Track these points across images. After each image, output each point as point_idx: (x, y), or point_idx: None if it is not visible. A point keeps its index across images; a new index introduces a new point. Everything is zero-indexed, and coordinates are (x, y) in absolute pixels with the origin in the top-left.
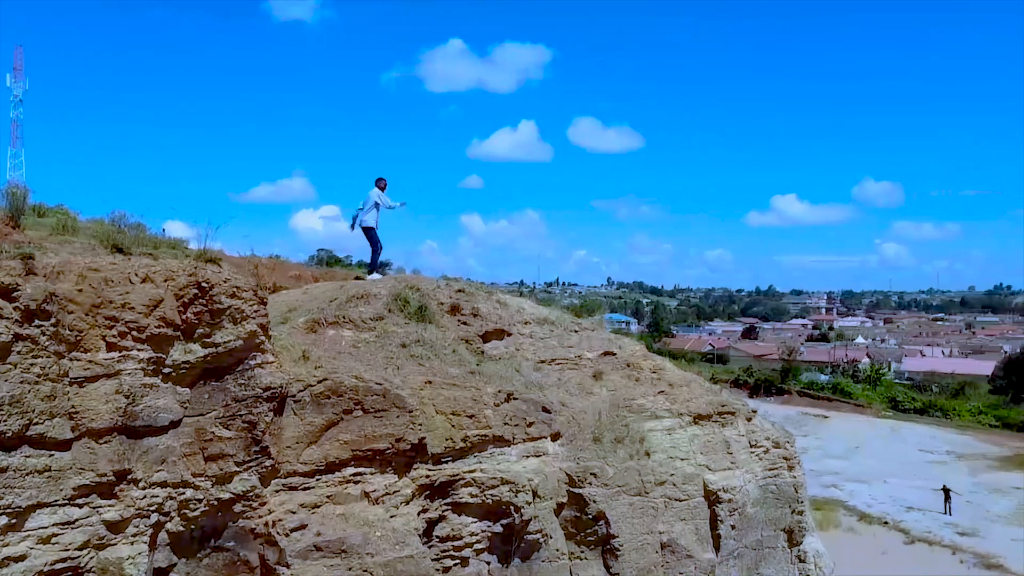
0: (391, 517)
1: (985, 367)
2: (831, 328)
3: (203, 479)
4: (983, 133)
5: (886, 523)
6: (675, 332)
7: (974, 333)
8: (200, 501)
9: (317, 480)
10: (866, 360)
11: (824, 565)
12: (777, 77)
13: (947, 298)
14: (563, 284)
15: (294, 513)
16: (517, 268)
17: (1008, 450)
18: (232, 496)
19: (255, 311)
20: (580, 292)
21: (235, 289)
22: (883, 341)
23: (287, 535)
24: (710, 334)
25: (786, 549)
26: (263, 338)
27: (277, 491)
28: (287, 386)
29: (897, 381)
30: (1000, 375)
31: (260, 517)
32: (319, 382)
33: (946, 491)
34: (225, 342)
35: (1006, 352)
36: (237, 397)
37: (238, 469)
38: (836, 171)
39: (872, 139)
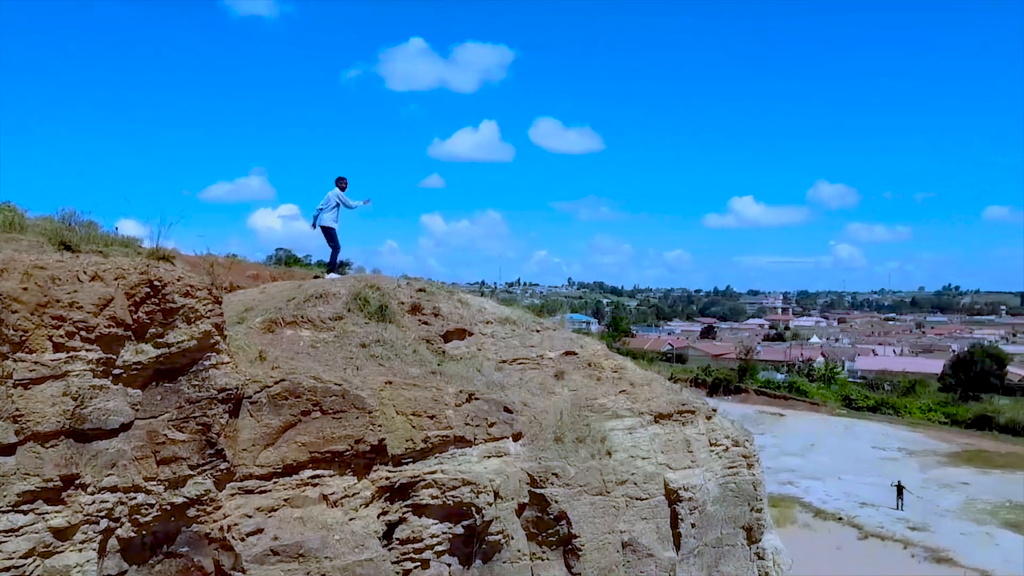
0: (350, 520)
1: (934, 366)
2: (787, 328)
3: (155, 483)
4: (934, 138)
5: (840, 519)
6: (635, 332)
7: (924, 332)
8: (152, 506)
9: (274, 483)
10: (821, 359)
11: (782, 562)
12: (734, 81)
13: (898, 298)
14: (524, 284)
15: (250, 517)
16: (478, 268)
17: (956, 446)
18: (186, 500)
19: (209, 310)
20: (541, 292)
21: (189, 288)
22: (837, 340)
23: (243, 540)
24: (669, 334)
25: (745, 546)
26: (218, 338)
27: (233, 495)
28: (243, 387)
29: (851, 380)
30: (949, 373)
31: (215, 522)
32: (276, 383)
33: (899, 487)
34: (178, 342)
35: (954, 351)
36: (191, 399)
37: (192, 473)
38: (792, 173)
39: (827, 142)
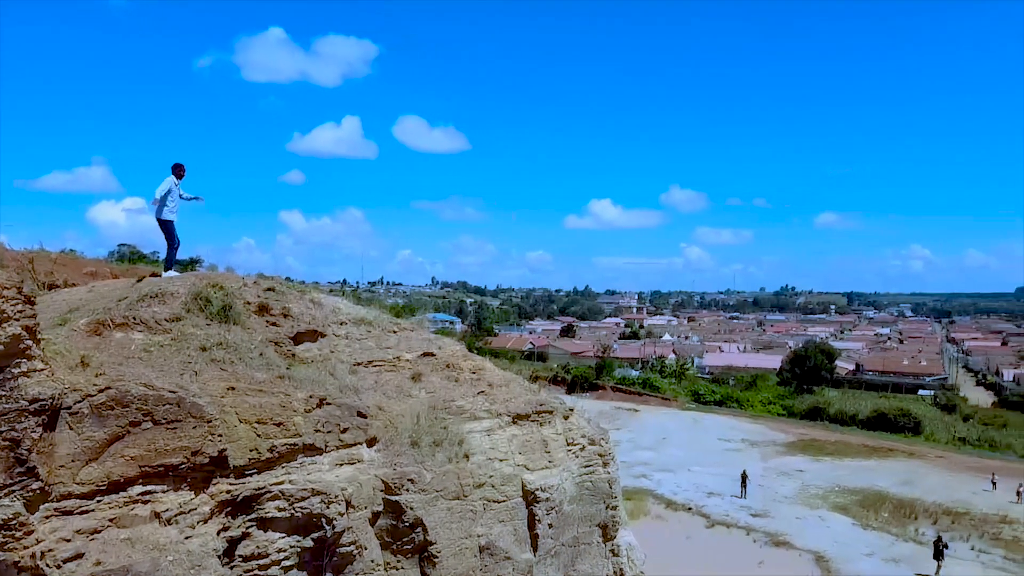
0: (186, 538)
1: (774, 361)
2: (641, 326)
3: None
4: (774, 148)
5: (690, 509)
6: (497, 331)
7: (764, 330)
8: None
9: (98, 502)
10: (672, 356)
11: (636, 558)
12: (594, 86)
13: (742, 298)
14: (388, 284)
15: (68, 541)
16: (340, 267)
17: (792, 436)
18: None
19: (19, 311)
20: (405, 292)
21: None
22: (687, 338)
23: (59, 567)
24: (531, 333)
25: (601, 544)
26: (30, 342)
27: (48, 517)
28: (61, 397)
29: (699, 375)
30: (786, 368)
31: (26, 548)
32: (100, 391)
33: (743, 476)
34: None
35: (791, 347)
36: None
37: None
38: (648, 178)
39: (681, 150)
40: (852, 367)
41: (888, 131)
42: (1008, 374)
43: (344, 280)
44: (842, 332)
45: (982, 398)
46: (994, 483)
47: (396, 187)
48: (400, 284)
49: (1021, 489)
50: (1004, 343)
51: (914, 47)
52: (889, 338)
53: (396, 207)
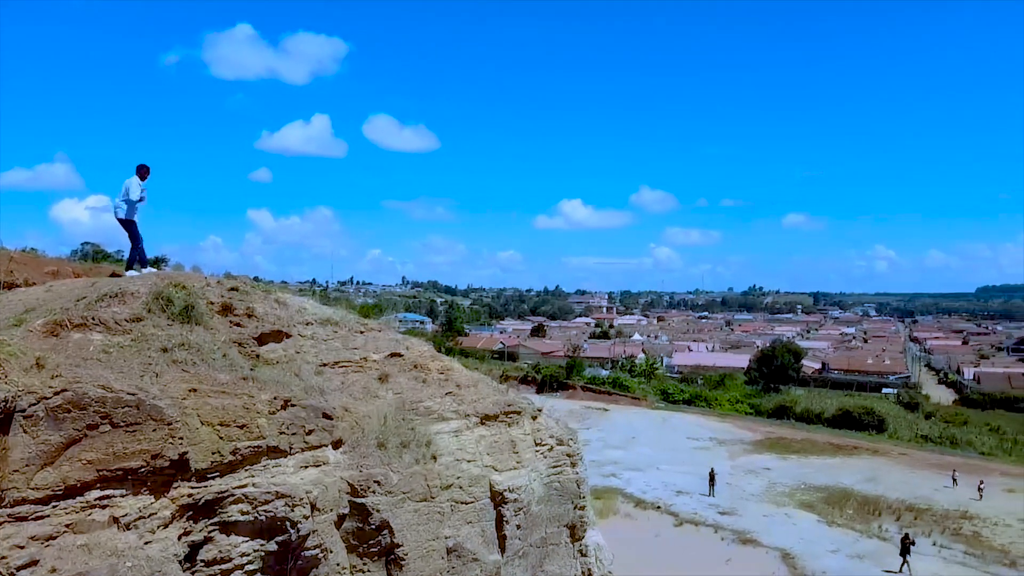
0: (146, 544)
1: (742, 360)
2: (611, 326)
3: None
4: (741, 149)
5: (659, 508)
6: (468, 331)
7: (732, 330)
8: None
9: (53, 507)
10: (642, 355)
11: (604, 558)
12: (564, 85)
13: (710, 298)
14: (358, 283)
15: (22, 548)
16: (310, 266)
17: (760, 435)
18: None
19: None
20: (375, 291)
21: None
22: (656, 338)
23: (13, 574)
24: (501, 332)
25: (569, 544)
26: None
27: (1, 523)
28: (15, 400)
29: (668, 375)
30: (754, 367)
31: None
32: (56, 394)
33: (711, 475)
34: None
35: (758, 347)
36: None
37: None
38: (617, 179)
39: (650, 151)
40: (818, 366)
41: (854, 134)
42: (968, 373)
43: (314, 280)
44: (808, 332)
45: (944, 396)
46: (955, 480)
47: (366, 186)
48: (370, 284)
49: (982, 486)
50: (965, 342)
51: (878, 53)
52: (854, 337)
53: (366, 206)
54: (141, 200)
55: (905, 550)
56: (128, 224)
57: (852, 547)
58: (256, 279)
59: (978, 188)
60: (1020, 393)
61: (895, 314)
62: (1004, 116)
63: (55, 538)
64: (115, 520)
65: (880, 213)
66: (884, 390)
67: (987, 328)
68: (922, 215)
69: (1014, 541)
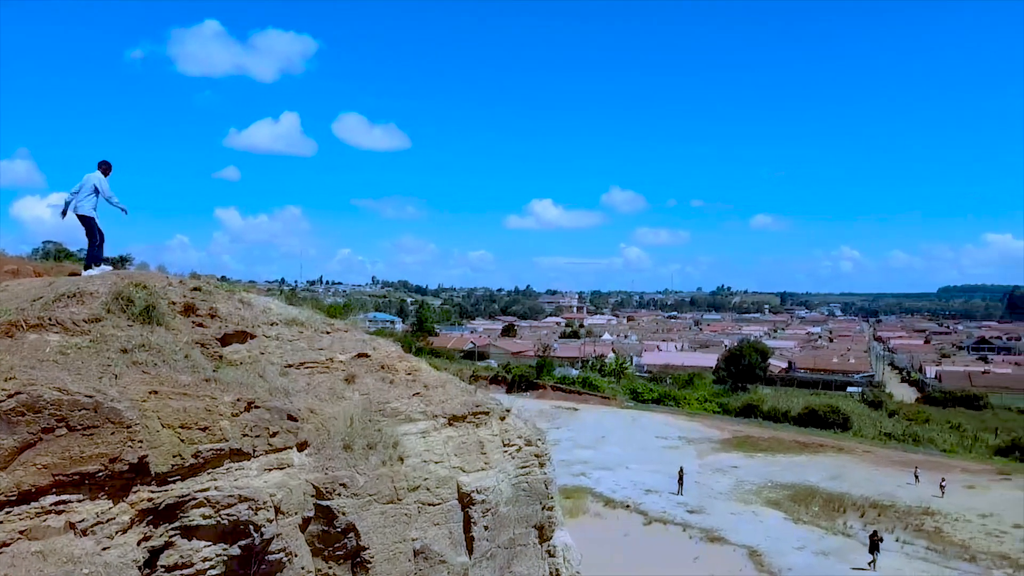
0: (103, 550)
1: (710, 360)
2: (581, 325)
3: None
4: (710, 149)
5: (628, 507)
6: (439, 331)
7: (701, 329)
8: None
9: (7, 513)
10: (611, 355)
11: (572, 558)
12: (535, 85)
13: (679, 298)
14: (327, 283)
15: None
16: (279, 266)
17: (727, 433)
18: None
19: None
20: (344, 291)
21: None
22: (626, 337)
23: None
24: (472, 332)
25: (537, 545)
26: None
27: None
28: None
29: (638, 374)
30: (722, 367)
31: None
32: (10, 396)
33: (680, 473)
34: None
35: (726, 346)
36: None
37: None
38: (588, 179)
39: (620, 151)
40: (785, 365)
41: (821, 135)
42: (930, 371)
43: (283, 279)
44: (775, 331)
45: (906, 394)
46: (917, 477)
47: (336, 185)
48: (340, 283)
49: (944, 483)
50: (927, 341)
51: (845, 54)
52: (820, 337)
53: (336, 205)
54: (111, 198)
55: (874, 546)
56: (87, 220)
57: (817, 544)
58: (223, 279)
59: (940, 188)
60: (980, 391)
61: (860, 314)
62: (968, 119)
63: (8, 545)
64: (72, 526)
65: (845, 214)
66: (849, 389)
67: (948, 327)
68: (886, 216)
69: (974, 536)
